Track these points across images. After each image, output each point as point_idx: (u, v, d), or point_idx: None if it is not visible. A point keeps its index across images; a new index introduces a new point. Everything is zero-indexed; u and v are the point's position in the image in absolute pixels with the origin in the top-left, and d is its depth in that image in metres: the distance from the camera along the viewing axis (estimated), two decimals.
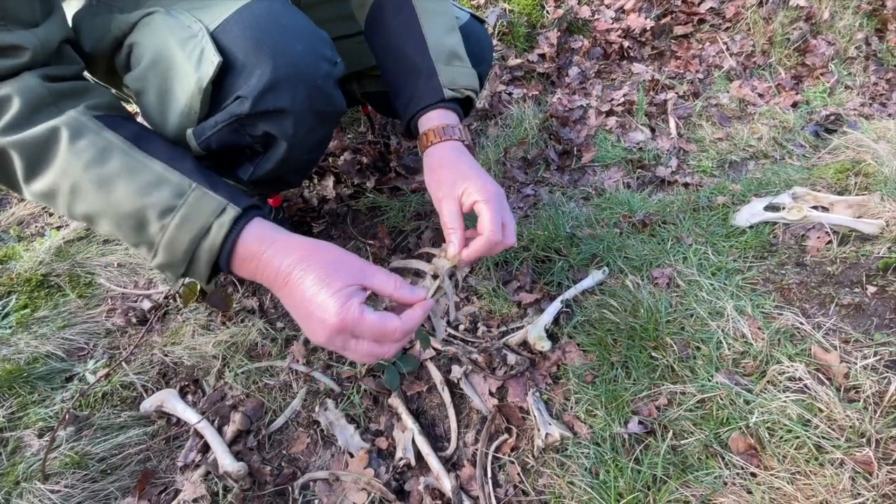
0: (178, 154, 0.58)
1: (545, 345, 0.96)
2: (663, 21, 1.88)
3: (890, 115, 1.81)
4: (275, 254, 0.53)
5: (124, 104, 0.65)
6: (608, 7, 1.86)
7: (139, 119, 0.71)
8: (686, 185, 1.42)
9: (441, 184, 0.69)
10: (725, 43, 1.89)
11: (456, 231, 0.67)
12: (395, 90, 0.79)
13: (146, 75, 0.63)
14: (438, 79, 0.73)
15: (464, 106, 0.79)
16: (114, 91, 0.81)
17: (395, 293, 0.55)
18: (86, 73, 0.73)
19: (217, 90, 0.62)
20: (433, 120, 0.73)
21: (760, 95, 1.78)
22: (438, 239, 1.24)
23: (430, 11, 0.76)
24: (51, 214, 1.32)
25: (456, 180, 0.68)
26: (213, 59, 0.59)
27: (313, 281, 0.51)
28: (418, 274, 0.84)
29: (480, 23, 0.99)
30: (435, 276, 0.68)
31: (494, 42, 1.73)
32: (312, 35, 0.65)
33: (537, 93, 1.69)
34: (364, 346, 0.52)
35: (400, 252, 1.22)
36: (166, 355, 0.99)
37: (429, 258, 1.05)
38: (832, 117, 1.70)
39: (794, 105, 1.75)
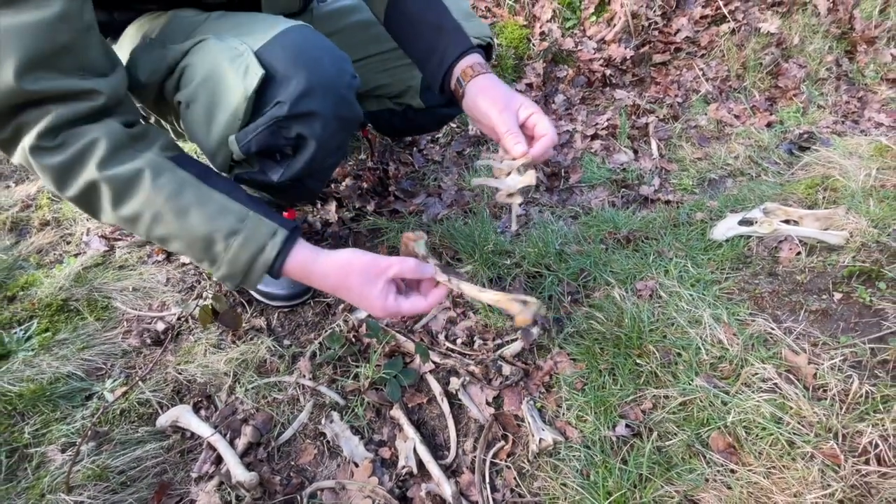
0: (234, 186, 0.71)
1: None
2: (642, 50, 2.00)
3: (863, 131, 1.92)
4: (318, 272, 0.71)
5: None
6: (590, 38, 1.99)
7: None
8: (668, 202, 1.50)
9: (496, 101, 0.78)
10: (702, 69, 2.01)
11: (520, 134, 0.77)
12: (425, 54, 0.87)
13: (197, 89, 0.74)
14: (462, 31, 0.84)
15: (486, 54, 0.89)
16: (162, 122, 0.96)
17: (412, 274, 0.72)
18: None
19: (258, 100, 0.73)
20: (467, 62, 0.82)
21: (737, 117, 1.89)
22: (436, 259, 1.31)
23: None
24: (68, 243, 1.39)
25: (510, 98, 0.78)
26: (257, 72, 0.70)
27: (357, 294, 0.71)
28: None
29: None
30: (509, 173, 0.79)
31: None
32: (337, 53, 0.77)
33: None
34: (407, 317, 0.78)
35: None
36: (180, 373, 1.05)
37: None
38: (805, 135, 1.80)
39: (769, 125, 1.85)
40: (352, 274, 0.70)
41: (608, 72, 1.93)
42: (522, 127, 0.79)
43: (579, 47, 1.96)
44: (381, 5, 0.93)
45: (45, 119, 0.60)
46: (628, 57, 1.95)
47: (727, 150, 1.71)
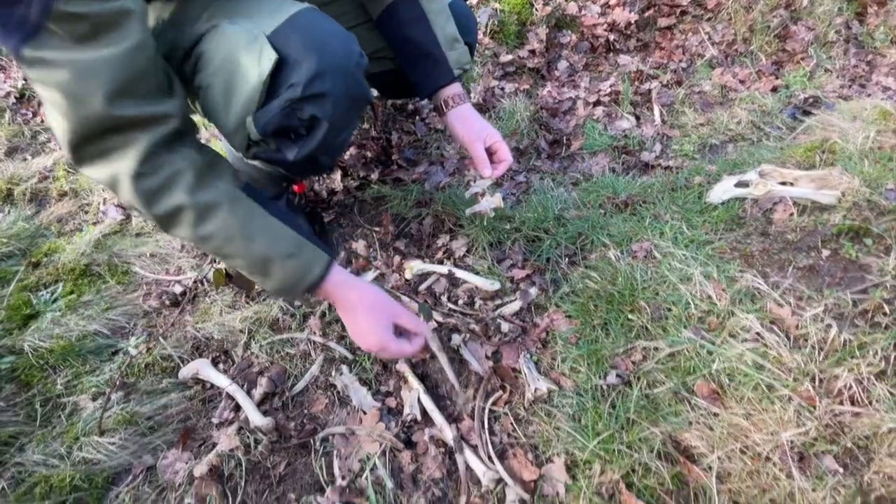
0: (290, 215, 0.83)
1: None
2: (647, 14, 1.98)
3: (869, 95, 1.89)
4: (345, 294, 0.84)
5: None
6: (594, 2, 1.96)
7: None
8: (668, 168, 1.52)
9: (470, 131, 1.03)
10: (707, 33, 1.98)
11: (486, 160, 1.03)
12: (411, 69, 1.06)
13: (215, 74, 0.78)
14: (448, 63, 1.02)
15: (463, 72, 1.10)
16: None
17: (412, 328, 0.87)
18: None
19: (272, 82, 0.76)
20: (449, 90, 1.04)
21: (742, 82, 1.87)
22: (438, 225, 1.35)
23: (435, 11, 1.01)
24: (86, 212, 1.45)
25: (481, 129, 1.03)
26: (271, 56, 0.73)
27: (364, 317, 0.83)
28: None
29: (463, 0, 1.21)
30: (483, 194, 1.12)
31: (487, 40, 1.84)
32: (345, 35, 0.81)
33: (528, 87, 1.79)
34: (387, 355, 0.88)
35: (403, 237, 1.34)
36: (198, 331, 1.12)
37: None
38: (811, 100, 1.79)
39: (774, 89, 1.84)
40: (370, 299, 0.84)
41: (612, 37, 1.91)
42: (488, 149, 1.03)
43: (583, 12, 1.94)
44: (376, 8, 1.02)
45: (139, 147, 0.66)
46: (633, 21, 1.92)
47: (730, 116, 1.71)
